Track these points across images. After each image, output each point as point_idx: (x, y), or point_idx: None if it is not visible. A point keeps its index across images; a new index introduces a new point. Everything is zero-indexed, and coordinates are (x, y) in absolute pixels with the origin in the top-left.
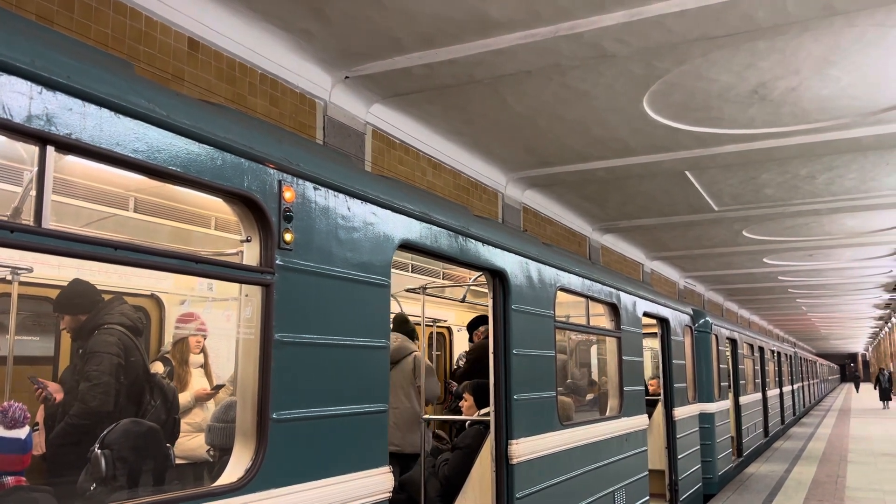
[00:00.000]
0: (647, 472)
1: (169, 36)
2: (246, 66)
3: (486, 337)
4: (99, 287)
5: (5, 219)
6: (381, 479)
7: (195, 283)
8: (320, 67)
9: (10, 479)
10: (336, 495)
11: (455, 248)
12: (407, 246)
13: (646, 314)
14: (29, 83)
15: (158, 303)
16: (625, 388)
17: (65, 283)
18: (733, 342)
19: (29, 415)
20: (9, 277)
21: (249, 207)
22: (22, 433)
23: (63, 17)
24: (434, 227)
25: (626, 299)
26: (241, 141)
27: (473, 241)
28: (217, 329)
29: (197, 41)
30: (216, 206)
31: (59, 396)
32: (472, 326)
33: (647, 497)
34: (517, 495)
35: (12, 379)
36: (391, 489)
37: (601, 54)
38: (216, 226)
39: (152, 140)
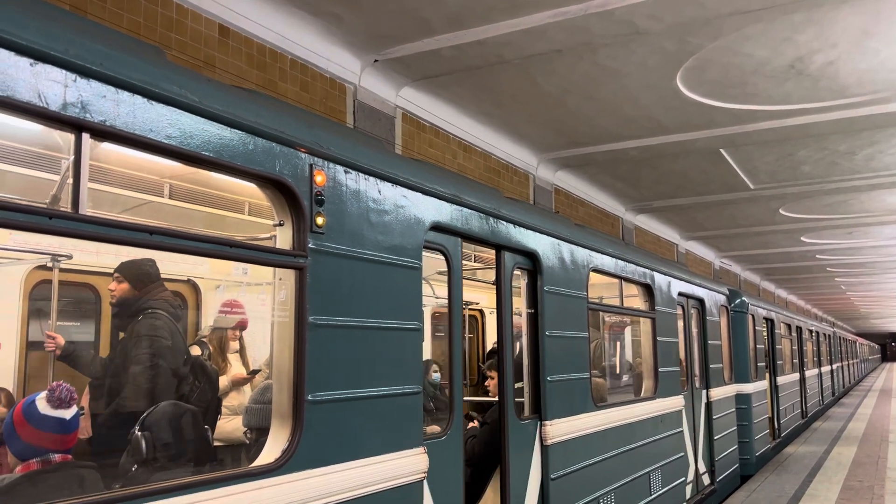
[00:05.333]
0: (683, 453)
1: (199, 23)
2: (276, 52)
3: None
4: None
5: (44, 206)
6: (417, 460)
7: (230, 268)
8: (349, 51)
9: (56, 457)
10: (371, 475)
11: (486, 231)
12: (438, 228)
13: (681, 294)
14: (63, 71)
15: (195, 287)
16: (660, 369)
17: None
18: (770, 322)
19: (76, 396)
20: (49, 264)
21: (282, 192)
22: (67, 414)
23: (96, 7)
24: (465, 210)
25: (660, 280)
26: (272, 126)
27: (504, 222)
28: (252, 313)
29: (227, 28)
30: (249, 191)
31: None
32: None
33: (684, 478)
34: (552, 476)
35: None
36: (426, 470)
37: (633, 31)
38: (249, 211)
39: (185, 126)
